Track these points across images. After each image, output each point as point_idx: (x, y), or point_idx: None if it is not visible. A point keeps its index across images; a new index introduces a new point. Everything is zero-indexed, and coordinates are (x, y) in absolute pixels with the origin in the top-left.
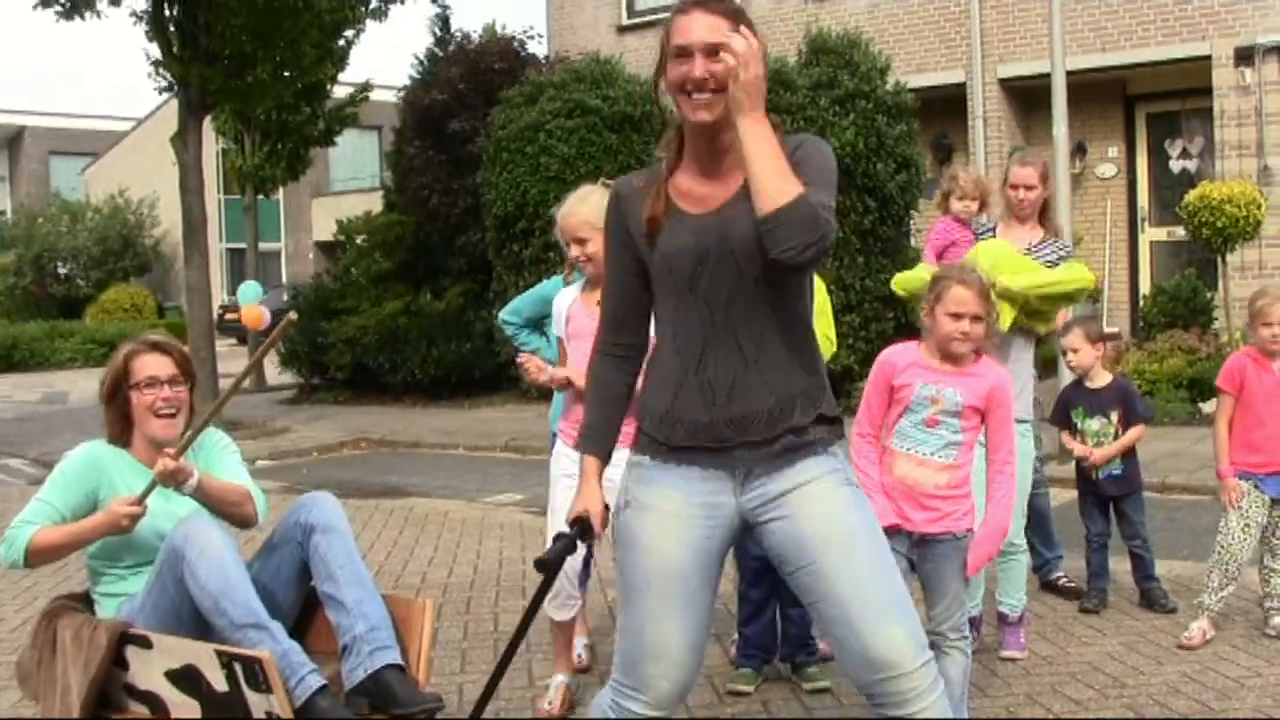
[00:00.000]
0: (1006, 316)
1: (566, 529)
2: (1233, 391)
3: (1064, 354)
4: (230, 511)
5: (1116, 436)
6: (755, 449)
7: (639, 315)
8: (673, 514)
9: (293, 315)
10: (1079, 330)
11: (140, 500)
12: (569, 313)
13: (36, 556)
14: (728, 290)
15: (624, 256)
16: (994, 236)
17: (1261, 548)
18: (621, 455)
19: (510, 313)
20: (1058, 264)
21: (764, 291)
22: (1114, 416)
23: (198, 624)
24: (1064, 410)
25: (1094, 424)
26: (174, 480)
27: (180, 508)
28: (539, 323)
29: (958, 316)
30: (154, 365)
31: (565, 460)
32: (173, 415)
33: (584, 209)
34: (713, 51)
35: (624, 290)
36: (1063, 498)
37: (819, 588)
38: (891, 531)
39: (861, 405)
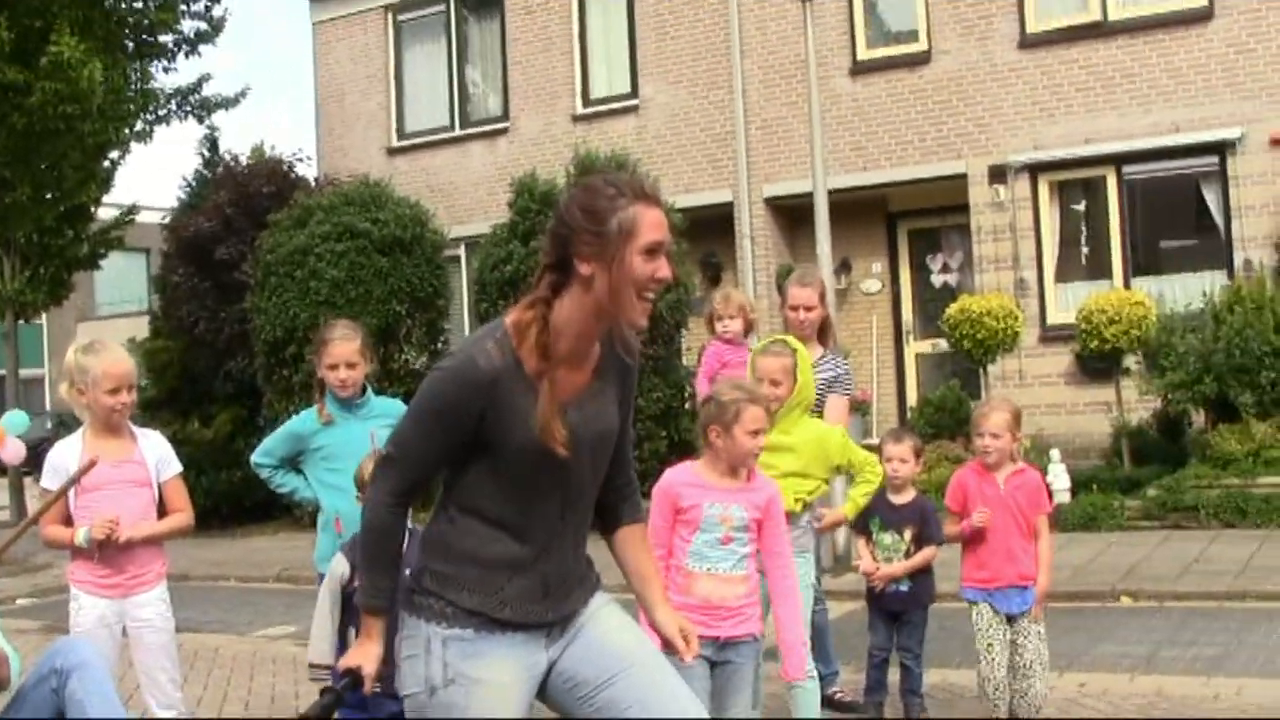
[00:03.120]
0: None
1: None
2: (956, 509)
3: (888, 460)
4: None
5: (908, 553)
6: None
7: (436, 477)
8: (508, 684)
9: (95, 458)
10: (910, 443)
11: None
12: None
13: None
14: (578, 487)
15: (465, 428)
16: None
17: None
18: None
19: (263, 454)
20: (836, 379)
21: (595, 489)
22: (908, 534)
23: None
24: (863, 517)
25: (887, 538)
26: None
27: None
28: (294, 460)
29: (755, 433)
30: None
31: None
32: None
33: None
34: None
35: (444, 457)
36: (837, 611)
37: (631, 696)
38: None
39: (649, 531)
